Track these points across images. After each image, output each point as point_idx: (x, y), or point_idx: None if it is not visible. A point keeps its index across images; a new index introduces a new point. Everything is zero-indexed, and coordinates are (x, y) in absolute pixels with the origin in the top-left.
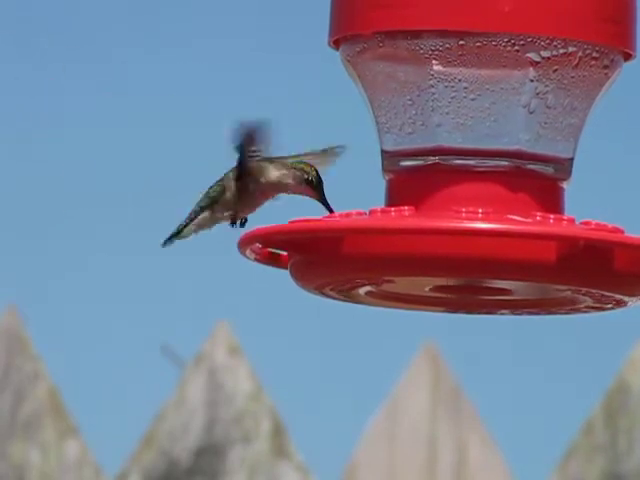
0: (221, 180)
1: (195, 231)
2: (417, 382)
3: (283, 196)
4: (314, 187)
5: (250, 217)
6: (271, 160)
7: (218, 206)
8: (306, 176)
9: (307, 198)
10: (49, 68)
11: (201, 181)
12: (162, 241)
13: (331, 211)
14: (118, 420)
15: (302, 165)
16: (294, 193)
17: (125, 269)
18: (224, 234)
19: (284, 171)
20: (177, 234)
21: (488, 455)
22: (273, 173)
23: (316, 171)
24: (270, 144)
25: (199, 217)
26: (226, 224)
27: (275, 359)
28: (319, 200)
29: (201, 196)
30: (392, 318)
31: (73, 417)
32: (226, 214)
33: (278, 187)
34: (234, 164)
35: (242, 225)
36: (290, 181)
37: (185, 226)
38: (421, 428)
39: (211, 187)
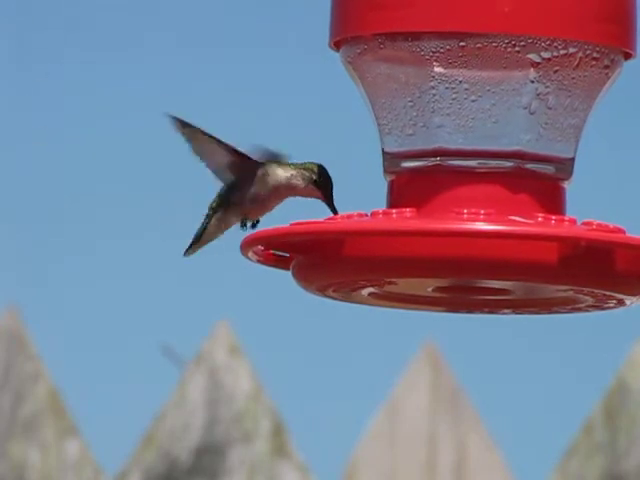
0: (233, 181)
1: (213, 235)
2: (417, 382)
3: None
4: (322, 188)
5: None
6: (279, 162)
7: (229, 206)
8: (314, 177)
9: (312, 200)
10: (47, 66)
11: (198, 180)
12: (184, 250)
13: (335, 213)
14: (118, 420)
15: (311, 166)
16: (302, 195)
17: (125, 269)
18: (224, 234)
19: (293, 172)
20: (197, 241)
21: (488, 455)
22: (282, 174)
23: (325, 172)
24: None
25: (213, 219)
26: (237, 227)
27: (275, 359)
28: (325, 202)
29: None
30: (392, 318)
31: (73, 417)
32: (238, 215)
33: (287, 188)
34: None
35: (253, 227)
36: (299, 182)
37: (203, 231)
38: (421, 428)
39: (222, 188)
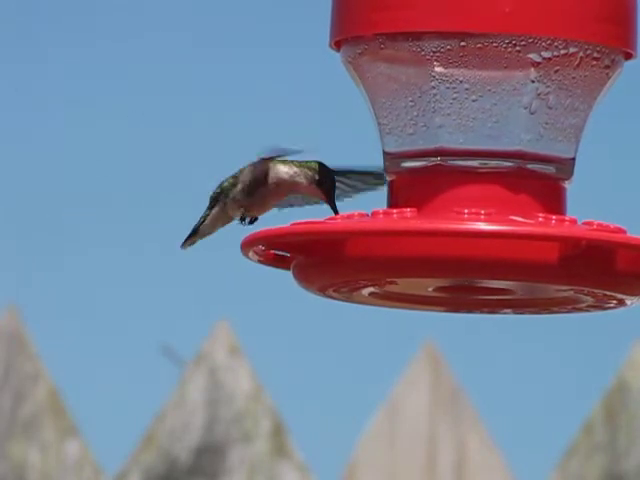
0: (235, 174)
1: (212, 227)
2: (417, 382)
3: (292, 203)
4: (323, 187)
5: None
6: (284, 160)
7: (229, 200)
8: (317, 176)
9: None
10: (45, 64)
11: (198, 180)
12: (182, 242)
13: (336, 212)
14: (118, 420)
15: (314, 165)
16: (304, 193)
17: (125, 269)
18: (224, 234)
19: (295, 169)
20: (195, 233)
21: (488, 455)
22: (284, 171)
23: (327, 172)
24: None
25: (212, 212)
26: (236, 222)
27: (275, 359)
28: (326, 201)
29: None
30: (392, 318)
31: (73, 417)
32: (237, 209)
33: (289, 185)
34: (250, 161)
35: (251, 223)
36: (301, 180)
37: (201, 223)
38: (421, 428)
39: (224, 180)
